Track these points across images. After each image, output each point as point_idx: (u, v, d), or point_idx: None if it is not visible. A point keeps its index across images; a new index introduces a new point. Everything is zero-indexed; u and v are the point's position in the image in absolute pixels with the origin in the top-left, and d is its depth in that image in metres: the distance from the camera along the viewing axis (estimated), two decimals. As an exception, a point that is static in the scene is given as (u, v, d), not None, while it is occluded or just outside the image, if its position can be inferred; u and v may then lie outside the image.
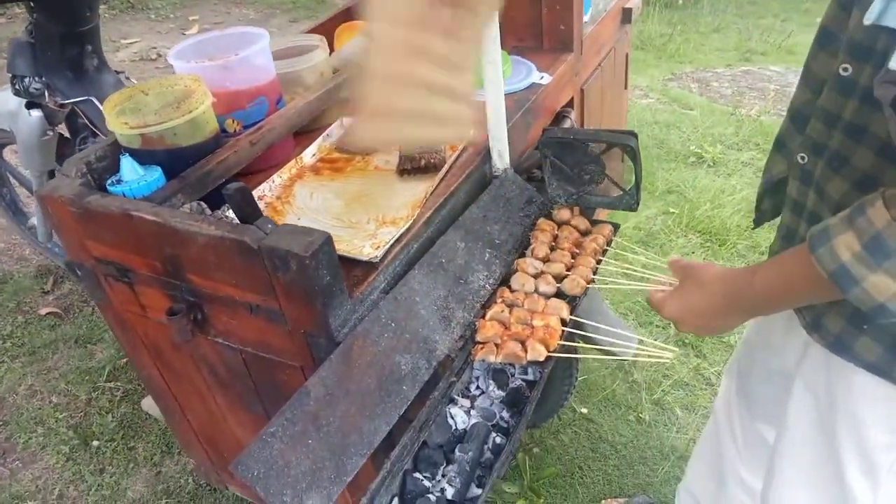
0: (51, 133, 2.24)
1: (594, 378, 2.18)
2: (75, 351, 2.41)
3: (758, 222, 1.16)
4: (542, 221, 1.36)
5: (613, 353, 1.24)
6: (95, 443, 2.06)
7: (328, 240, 0.94)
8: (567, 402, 1.93)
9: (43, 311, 2.60)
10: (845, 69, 0.78)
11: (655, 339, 2.30)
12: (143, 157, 1.21)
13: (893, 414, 0.89)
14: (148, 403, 2.08)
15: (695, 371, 2.20)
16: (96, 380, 2.27)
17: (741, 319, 0.93)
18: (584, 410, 2.08)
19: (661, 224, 2.91)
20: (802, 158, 0.90)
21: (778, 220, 1.11)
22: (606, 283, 1.22)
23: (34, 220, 2.71)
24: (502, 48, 1.25)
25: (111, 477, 1.95)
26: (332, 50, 1.71)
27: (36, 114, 2.17)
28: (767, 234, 2.77)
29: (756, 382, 1.23)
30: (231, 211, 1.09)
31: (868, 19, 0.66)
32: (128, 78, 2.29)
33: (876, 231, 0.66)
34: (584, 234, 1.36)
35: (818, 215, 0.88)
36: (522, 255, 1.28)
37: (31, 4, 1.99)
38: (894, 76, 0.64)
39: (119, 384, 2.26)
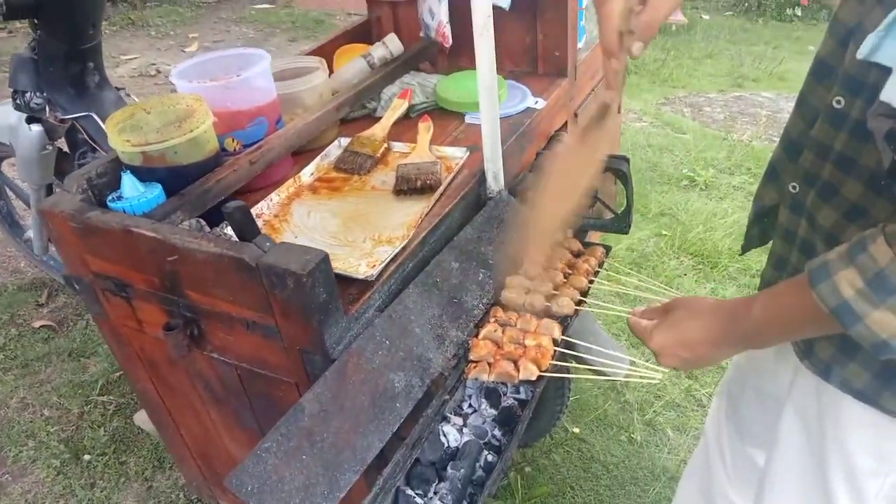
0: (50, 148, 2.26)
1: (586, 398, 2.19)
2: (68, 364, 2.41)
3: (745, 248, 1.17)
4: (535, 242, 1.38)
5: (604, 374, 1.26)
6: (87, 457, 2.05)
7: (325, 258, 0.96)
8: (559, 421, 1.95)
9: (36, 324, 2.60)
10: (838, 101, 0.80)
11: (647, 361, 2.33)
12: (144, 174, 1.23)
13: (881, 440, 0.90)
14: (140, 418, 2.08)
15: (686, 392, 2.21)
16: (89, 393, 2.27)
17: (732, 352, 0.91)
18: (576, 430, 2.09)
19: (654, 246, 2.94)
20: (794, 188, 0.91)
21: (765, 245, 1.14)
22: (600, 309, 1.24)
23: (30, 233, 2.72)
24: (498, 73, 1.28)
25: (102, 491, 1.94)
26: (331, 72, 1.74)
27: (36, 128, 2.19)
28: (758, 257, 2.80)
29: (746, 406, 1.24)
30: (230, 228, 1.11)
31: (861, 54, 0.68)
32: (128, 95, 2.32)
33: (879, 268, 0.66)
34: (577, 255, 1.38)
35: (810, 244, 0.89)
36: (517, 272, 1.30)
37: (35, 22, 2.02)
38: (887, 109, 0.65)
39: (112, 398, 2.25)
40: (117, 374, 2.32)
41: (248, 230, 1.02)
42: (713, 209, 3.18)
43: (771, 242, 1.07)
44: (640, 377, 1.06)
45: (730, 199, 3.28)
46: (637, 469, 1.98)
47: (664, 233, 3.01)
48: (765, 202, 1.04)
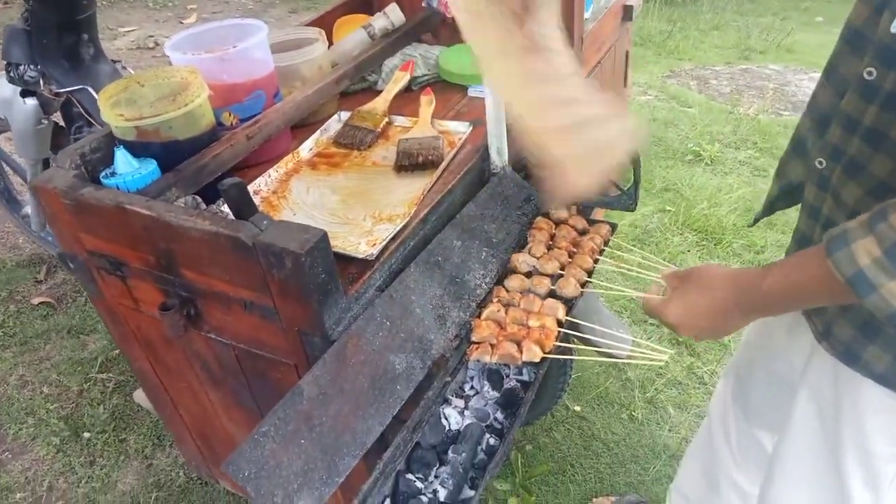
0: (45, 122, 2.22)
1: (588, 376, 2.18)
2: (68, 341, 2.40)
3: (756, 221, 1.15)
4: (539, 220, 1.35)
5: (608, 354, 1.24)
6: (86, 434, 2.05)
7: (324, 237, 0.93)
8: (560, 399, 1.94)
9: (35, 301, 2.58)
10: (870, 73, 0.76)
11: (650, 338, 2.31)
12: (138, 149, 1.20)
13: None
14: (140, 395, 2.07)
15: (688, 370, 2.20)
16: (88, 371, 2.26)
17: (747, 321, 0.89)
18: (578, 408, 2.08)
19: (658, 222, 2.91)
20: (820, 163, 0.88)
21: (772, 217, 1.11)
22: (604, 289, 1.21)
23: (28, 209, 2.70)
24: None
25: (102, 469, 1.94)
26: (330, 43, 1.70)
27: (31, 102, 2.16)
28: (763, 233, 2.78)
29: (755, 386, 1.23)
30: (226, 206, 1.08)
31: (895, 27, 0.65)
32: (124, 67, 2.27)
33: None
34: (582, 233, 1.35)
35: (834, 221, 0.86)
36: (522, 249, 1.28)
37: (27, -8, 1.97)
38: None
39: (111, 375, 2.24)
40: (116, 351, 2.31)
41: (244, 208, 0.99)
42: (718, 184, 3.14)
43: (781, 216, 1.04)
44: (646, 358, 1.04)
45: (735, 175, 3.24)
46: (638, 447, 1.97)
47: (668, 208, 2.98)
48: (791, 179, 1.00)
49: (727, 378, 1.32)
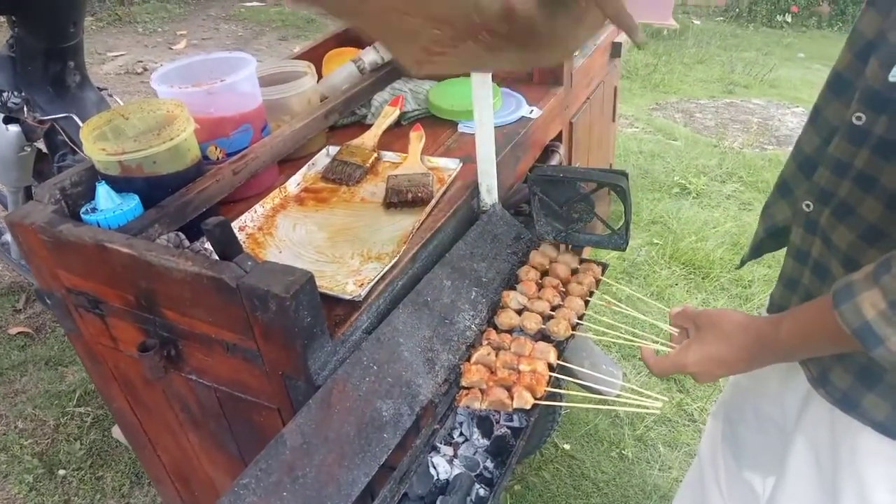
0: (28, 149, 2.19)
1: (576, 413, 2.15)
2: (45, 373, 2.33)
3: (743, 263, 1.15)
4: (532, 253, 1.33)
5: (601, 396, 1.21)
6: (62, 472, 1.98)
7: (310, 280, 0.91)
8: (550, 437, 1.90)
9: (13, 331, 2.52)
10: (858, 118, 0.77)
11: (639, 373, 2.29)
12: (121, 184, 1.17)
13: None
14: (118, 431, 2.01)
15: (678, 407, 2.17)
16: (66, 404, 2.20)
17: (759, 367, 0.90)
18: (567, 447, 2.04)
19: (646, 255, 2.90)
20: (808, 206, 0.88)
21: (758, 258, 1.11)
22: (595, 332, 1.19)
23: (8, 237, 2.64)
24: (492, 80, 1.23)
25: (76, 508, 1.88)
26: (320, 76, 1.68)
27: (14, 129, 2.12)
28: (750, 267, 2.78)
29: (746, 429, 1.21)
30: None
31: (894, 76, 0.66)
32: (110, 95, 2.26)
33: None
34: (573, 272, 1.33)
35: (823, 265, 0.86)
36: (513, 288, 1.25)
37: (13, 19, 1.95)
38: None
39: (89, 409, 2.18)
40: (95, 383, 2.26)
41: (229, 248, 0.96)
42: (705, 218, 3.15)
43: (771, 256, 1.04)
44: (639, 406, 1.02)
45: (722, 209, 3.25)
46: (628, 487, 1.94)
47: (656, 241, 2.98)
48: (777, 220, 1.00)
49: (716, 419, 1.30)
